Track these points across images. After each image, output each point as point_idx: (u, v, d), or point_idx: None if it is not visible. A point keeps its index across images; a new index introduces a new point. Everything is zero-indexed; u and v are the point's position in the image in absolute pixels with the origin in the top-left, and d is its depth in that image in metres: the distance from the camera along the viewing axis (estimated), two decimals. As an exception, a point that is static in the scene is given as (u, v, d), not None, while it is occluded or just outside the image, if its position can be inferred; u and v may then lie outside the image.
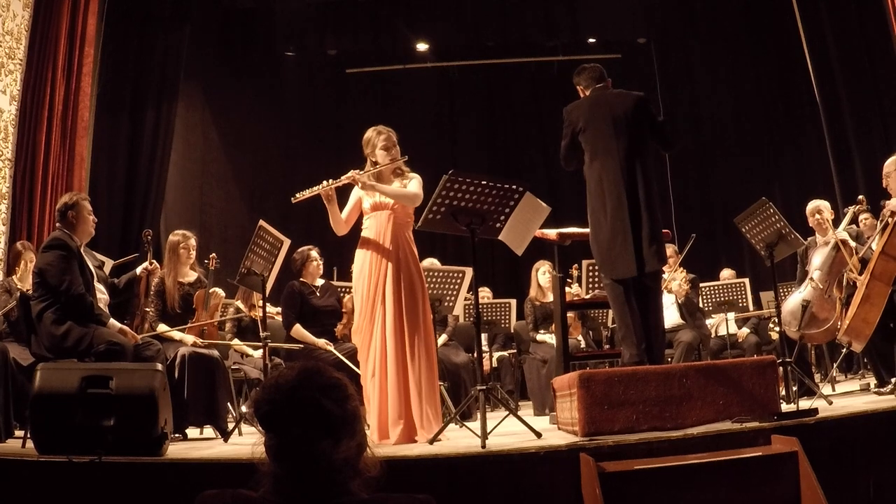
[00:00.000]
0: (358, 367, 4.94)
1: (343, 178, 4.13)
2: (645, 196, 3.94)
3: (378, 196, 4.15)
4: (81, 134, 6.41)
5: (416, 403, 3.93)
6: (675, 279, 6.15)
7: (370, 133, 4.24)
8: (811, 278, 4.98)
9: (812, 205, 5.47)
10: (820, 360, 6.65)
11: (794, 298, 5.08)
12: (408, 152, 4.24)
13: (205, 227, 9.04)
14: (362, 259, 4.13)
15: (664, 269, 5.72)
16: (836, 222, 5.34)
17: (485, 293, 7.78)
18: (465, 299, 6.28)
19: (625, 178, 3.92)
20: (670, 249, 6.30)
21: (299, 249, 5.68)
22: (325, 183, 4.11)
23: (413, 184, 4.19)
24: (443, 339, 6.09)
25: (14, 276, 5.16)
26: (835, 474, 3.04)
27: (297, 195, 4.17)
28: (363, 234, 4.19)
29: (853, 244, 4.94)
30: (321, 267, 5.71)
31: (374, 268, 4.07)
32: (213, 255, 5.54)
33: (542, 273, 6.53)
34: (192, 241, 5.18)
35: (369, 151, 4.22)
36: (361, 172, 4.15)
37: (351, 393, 1.60)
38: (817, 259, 5.06)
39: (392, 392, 3.94)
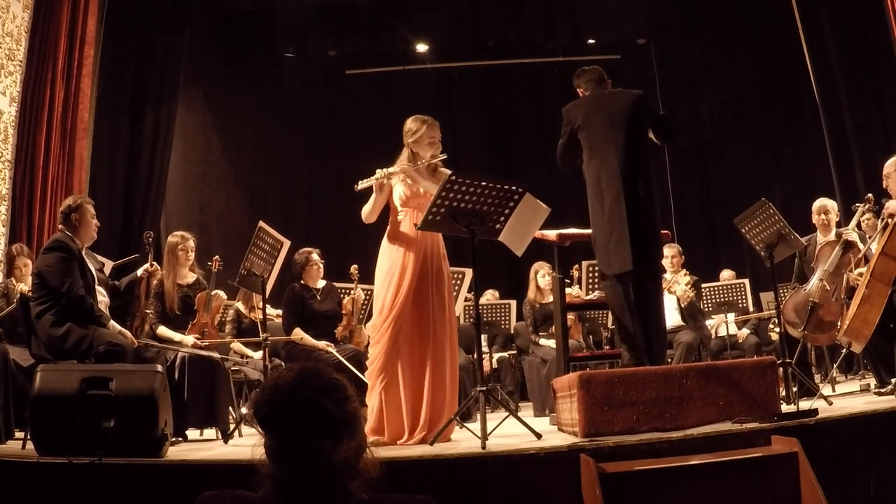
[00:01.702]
0: (359, 369, 4.95)
1: (398, 168, 4.08)
2: (643, 193, 3.95)
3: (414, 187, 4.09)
4: (81, 135, 6.42)
5: (434, 405, 3.89)
6: (678, 282, 6.12)
7: (416, 124, 4.13)
8: (820, 279, 4.97)
9: (820, 203, 5.46)
10: (820, 360, 6.64)
11: (800, 296, 5.06)
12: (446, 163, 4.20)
13: (205, 228, 9.04)
14: (389, 253, 4.04)
15: (666, 269, 5.75)
16: (841, 223, 5.33)
17: (492, 294, 7.79)
18: (466, 300, 6.28)
19: (623, 175, 3.92)
20: (674, 250, 6.29)
21: (300, 251, 5.67)
22: (379, 172, 4.03)
23: None
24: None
25: (12, 279, 5.16)
26: (835, 475, 3.03)
27: (360, 183, 4.07)
28: (392, 227, 4.11)
29: (861, 245, 4.94)
30: (322, 269, 5.71)
31: (402, 262, 3.98)
32: (217, 257, 5.53)
33: (542, 276, 6.52)
34: (191, 243, 5.17)
35: (412, 141, 4.11)
36: (413, 167, 4.06)
37: (350, 394, 1.60)
38: (825, 259, 5.04)
39: (407, 397, 3.88)
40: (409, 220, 4.06)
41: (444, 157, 4.14)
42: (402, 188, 4.10)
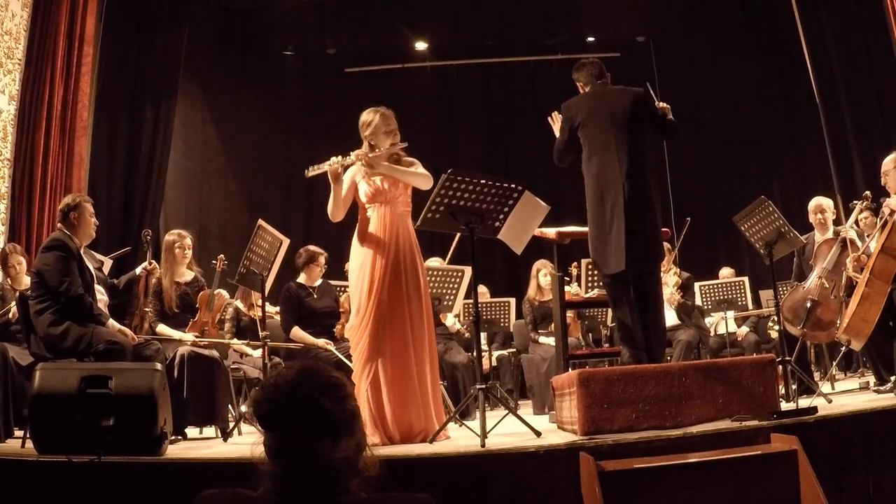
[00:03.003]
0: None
1: (352, 155, 3.98)
2: (644, 192, 3.94)
3: (378, 182, 4.00)
4: (80, 133, 6.41)
5: (419, 405, 3.87)
6: (666, 283, 6.12)
7: (370, 115, 4.06)
8: (818, 277, 4.97)
9: (815, 202, 5.47)
10: (819, 358, 6.65)
11: (798, 294, 5.06)
12: (407, 151, 4.15)
13: (204, 226, 9.04)
14: (360, 252, 3.98)
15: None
16: (841, 221, 5.34)
17: (482, 290, 7.77)
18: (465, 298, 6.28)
19: (623, 174, 3.91)
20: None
21: (311, 248, 5.67)
22: (334, 159, 3.95)
23: (420, 167, 4.05)
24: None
25: (8, 279, 5.15)
26: (834, 473, 3.04)
27: (311, 168, 4.00)
28: (361, 225, 4.04)
29: (859, 243, 4.95)
30: (322, 272, 5.72)
31: (374, 261, 3.91)
32: (221, 256, 5.54)
33: (544, 275, 6.52)
34: (188, 241, 5.17)
35: (368, 133, 4.03)
36: (370, 154, 3.98)
37: (350, 392, 1.61)
38: (823, 257, 5.04)
39: (396, 394, 3.85)
40: (377, 216, 3.98)
41: (403, 145, 4.06)
42: (365, 185, 4.02)
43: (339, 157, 3.97)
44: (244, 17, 9.55)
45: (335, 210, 4.04)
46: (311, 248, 5.70)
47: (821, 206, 5.43)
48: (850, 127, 7.44)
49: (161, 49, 7.60)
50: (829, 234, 5.30)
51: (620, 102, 4.04)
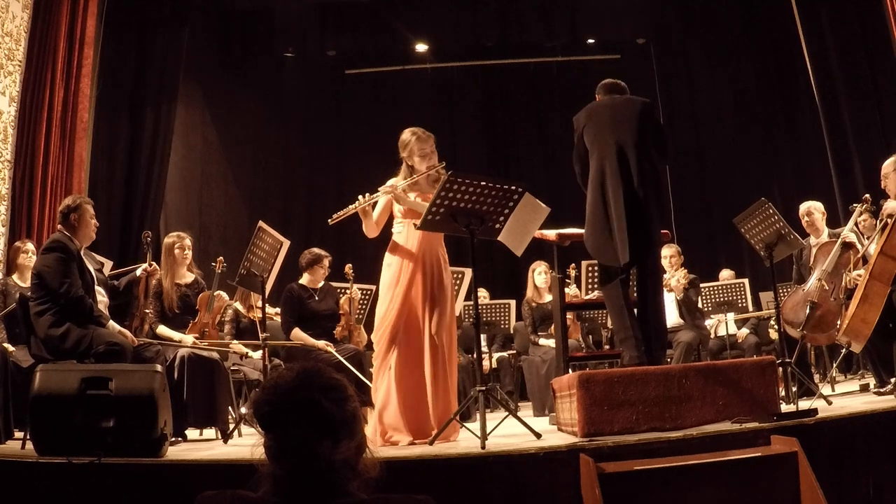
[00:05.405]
0: (358, 369, 4.96)
1: (380, 192, 4.11)
2: (644, 192, 3.94)
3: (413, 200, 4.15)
4: (81, 135, 6.41)
5: (428, 409, 3.92)
6: (674, 276, 6.14)
7: (408, 136, 4.18)
8: (818, 279, 4.97)
9: (803, 206, 5.50)
10: (819, 360, 6.65)
11: (798, 296, 5.07)
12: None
13: (204, 228, 9.04)
14: (390, 261, 4.11)
15: (665, 270, 5.77)
16: (834, 222, 5.34)
17: (482, 293, 7.78)
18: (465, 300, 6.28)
19: (622, 174, 3.91)
20: (672, 250, 6.30)
21: (315, 251, 5.68)
22: (360, 199, 4.07)
23: None
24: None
25: (13, 276, 5.16)
26: (834, 474, 3.04)
27: (335, 216, 4.13)
28: (395, 237, 4.16)
29: (859, 245, 4.95)
30: (327, 274, 5.72)
31: (400, 271, 4.04)
32: (221, 258, 5.54)
33: (539, 274, 6.52)
34: (188, 242, 5.17)
35: (406, 155, 4.17)
36: (398, 184, 4.11)
37: (350, 394, 1.60)
38: (822, 260, 5.05)
39: (406, 398, 3.93)
40: (406, 230, 4.11)
41: (440, 165, 4.17)
42: (401, 205, 4.16)
43: (367, 196, 4.09)
44: (244, 18, 9.55)
45: (370, 232, 4.18)
46: (316, 250, 5.71)
47: (807, 209, 5.47)
48: (850, 128, 7.44)
49: (161, 51, 7.60)
50: (824, 237, 5.32)
51: (625, 107, 4.08)
